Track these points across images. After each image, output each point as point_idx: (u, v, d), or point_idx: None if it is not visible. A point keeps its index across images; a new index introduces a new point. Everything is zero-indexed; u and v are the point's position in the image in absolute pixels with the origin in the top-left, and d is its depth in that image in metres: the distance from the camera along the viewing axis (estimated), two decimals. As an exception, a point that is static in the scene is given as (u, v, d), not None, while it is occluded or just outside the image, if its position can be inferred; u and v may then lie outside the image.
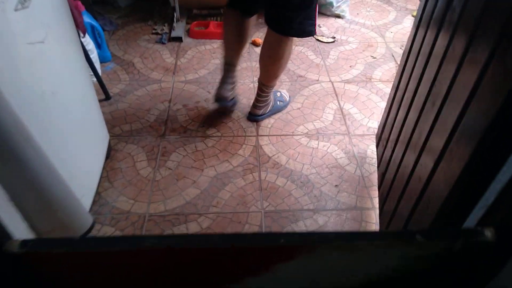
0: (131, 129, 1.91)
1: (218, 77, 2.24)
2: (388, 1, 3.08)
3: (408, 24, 2.79)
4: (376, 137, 1.76)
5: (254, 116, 1.99)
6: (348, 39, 2.64)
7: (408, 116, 1.23)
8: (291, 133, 1.93)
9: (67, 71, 1.34)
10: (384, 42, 2.61)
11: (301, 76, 2.31)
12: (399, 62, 2.39)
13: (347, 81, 2.28)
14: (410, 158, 1.13)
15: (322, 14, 2.89)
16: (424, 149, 1.02)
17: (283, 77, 2.30)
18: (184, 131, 1.92)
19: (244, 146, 1.85)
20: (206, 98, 2.13)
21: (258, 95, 1.93)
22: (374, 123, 2.00)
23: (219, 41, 2.59)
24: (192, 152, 1.79)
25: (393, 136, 1.40)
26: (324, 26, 2.77)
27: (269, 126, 1.97)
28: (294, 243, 0.60)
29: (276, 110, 2.05)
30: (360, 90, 2.22)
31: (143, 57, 2.42)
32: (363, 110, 2.08)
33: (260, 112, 1.98)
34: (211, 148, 1.82)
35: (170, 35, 2.59)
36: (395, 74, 2.31)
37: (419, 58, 1.23)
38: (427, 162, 0.98)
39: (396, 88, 1.48)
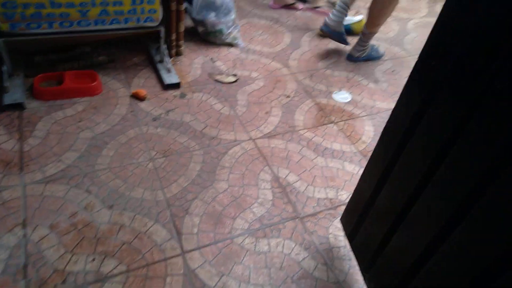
0: (-41, 306, 1.08)
1: (99, 162, 1.53)
2: (276, 20, 2.73)
3: (306, 46, 2.50)
4: (345, 222, 1.35)
5: (352, 57, 2.41)
6: (252, 75, 2.19)
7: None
8: (229, 235, 1.38)
9: None
10: (291, 74, 2.24)
11: (214, 138, 1.76)
12: (313, 98, 2.05)
13: (270, 135, 1.83)
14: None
15: (212, 44, 2.36)
16: None
17: (191, 143, 1.71)
18: (63, 278, 1.18)
19: (168, 280, 1.22)
20: (88, 203, 1.40)
21: (361, 40, 2.33)
22: (321, 192, 1.60)
23: (84, 100, 1.83)
24: (89, 324, 1.09)
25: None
26: (218, 59, 2.26)
27: (195, 230, 1.38)
28: None
29: (371, 59, 2.44)
30: (289, 146, 1.79)
31: (-41, 146, 1.51)
32: (302, 174, 1.66)
33: (358, 54, 2.38)
34: (119, 303, 1.14)
35: (1, 101, 1.70)
36: (317, 116, 1.97)
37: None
38: None
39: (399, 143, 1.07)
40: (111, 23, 1.83)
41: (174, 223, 1.39)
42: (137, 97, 1.89)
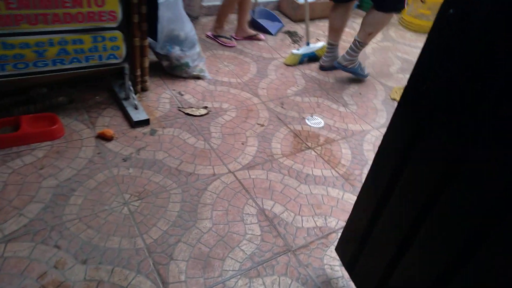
0: None
1: (67, 212, 1.38)
2: (241, 51, 2.73)
3: (272, 75, 2.50)
4: (341, 252, 1.29)
5: (339, 64, 2.48)
6: (222, 106, 2.14)
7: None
8: (220, 279, 1.27)
9: None
10: (262, 103, 2.22)
11: (191, 174, 1.66)
12: (287, 125, 2.03)
13: (250, 166, 1.77)
14: None
15: (178, 77, 2.30)
16: None
17: (168, 182, 1.60)
18: None
19: (159, 338, 1.09)
20: (58, 260, 1.24)
21: (351, 49, 2.41)
22: (309, 221, 1.54)
23: (44, 145, 1.68)
24: None
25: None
26: (186, 93, 2.19)
27: (182, 277, 1.26)
28: None
29: (355, 73, 2.52)
30: (270, 175, 1.73)
31: None
32: (288, 204, 1.60)
33: (345, 63, 2.45)
34: None
35: None
36: (294, 143, 1.94)
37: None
38: None
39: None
40: (71, 62, 1.72)
41: (158, 271, 1.26)
42: (103, 137, 1.76)
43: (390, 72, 2.76)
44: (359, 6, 3.64)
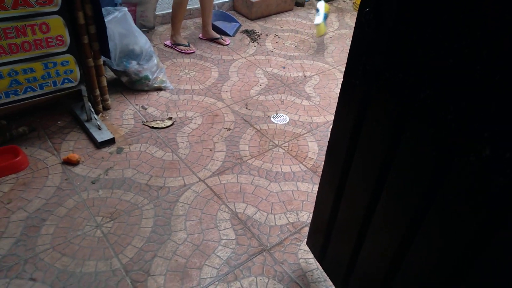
0: None
1: (39, 243, 1.37)
2: (201, 56, 2.74)
3: (235, 77, 2.53)
4: (311, 245, 1.34)
5: None
6: (187, 115, 2.15)
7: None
8: (199, 288, 1.30)
9: None
10: (227, 107, 2.24)
11: (161, 188, 1.68)
12: (253, 126, 2.06)
13: (220, 172, 1.79)
14: None
15: (140, 91, 2.29)
16: None
17: (139, 199, 1.62)
18: None
19: None
20: (32, 294, 1.25)
21: None
22: (282, 218, 1.59)
23: (9, 178, 1.66)
24: None
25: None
26: (149, 106, 2.19)
27: (161, 292, 1.28)
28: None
29: None
30: (241, 178, 1.77)
31: None
32: (260, 205, 1.64)
33: None
34: None
35: None
36: (261, 143, 1.98)
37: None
38: None
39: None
40: (25, 92, 1.70)
41: (137, 290, 1.28)
42: (69, 162, 1.76)
43: (349, 60, 2.83)
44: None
